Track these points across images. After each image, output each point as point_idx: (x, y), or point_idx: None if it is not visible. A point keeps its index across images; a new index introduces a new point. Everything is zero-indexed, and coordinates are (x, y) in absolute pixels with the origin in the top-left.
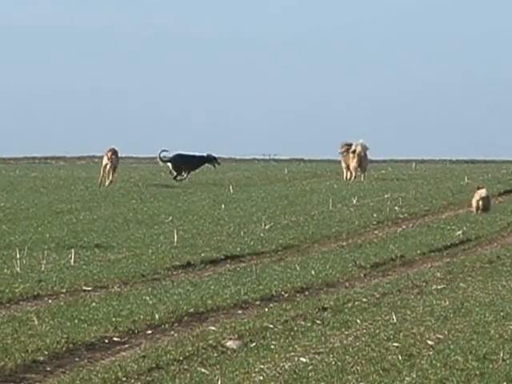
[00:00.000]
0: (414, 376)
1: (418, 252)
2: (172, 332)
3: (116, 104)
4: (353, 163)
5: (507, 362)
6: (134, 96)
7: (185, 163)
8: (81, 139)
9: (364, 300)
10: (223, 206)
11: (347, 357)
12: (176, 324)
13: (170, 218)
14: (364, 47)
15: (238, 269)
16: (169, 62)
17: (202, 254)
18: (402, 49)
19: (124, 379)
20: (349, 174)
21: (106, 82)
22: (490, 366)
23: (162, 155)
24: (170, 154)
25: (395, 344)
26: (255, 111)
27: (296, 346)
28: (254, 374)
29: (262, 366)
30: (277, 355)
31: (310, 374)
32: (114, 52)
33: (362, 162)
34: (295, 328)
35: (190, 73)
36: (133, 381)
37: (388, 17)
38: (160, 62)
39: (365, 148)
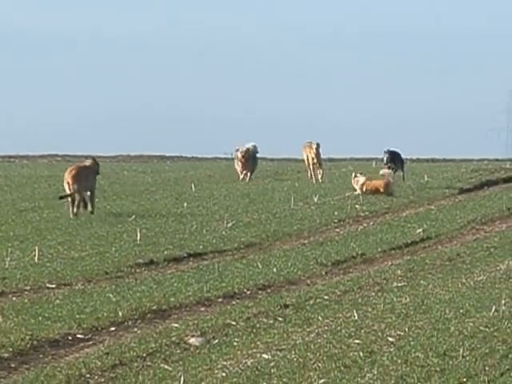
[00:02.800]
0: (375, 372)
1: (379, 250)
2: (135, 329)
3: (82, 102)
4: (238, 167)
5: (467, 358)
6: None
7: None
8: (43, 138)
9: (325, 297)
10: (185, 204)
11: (309, 353)
12: (139, 321)
13: (133, 217)
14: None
15: (201, 266)
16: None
17: (165, 252)
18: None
19: (88, 376)
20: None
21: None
22: (450, 362)
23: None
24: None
25: (356, 341)
26: (219, 108)
27: (258, 343)
28: (216, 371)
29: (224, 363)
30: (239, 352)
31: (272, 371)
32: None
33: (247, 164)
34: (257, 325)
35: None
36: (96, 377)
37: None
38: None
39: (254, 151)
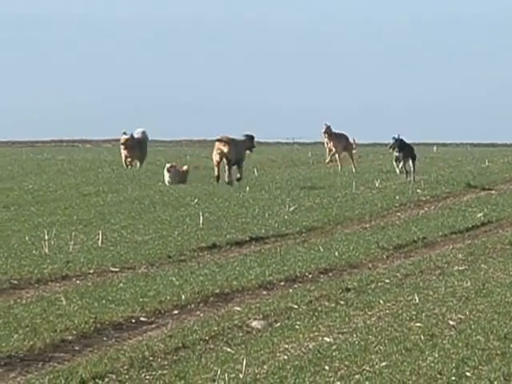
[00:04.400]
0: (436, 355)
1: (440, 234)
2: (198, 312)
3: (143, 88)
4: (123, 155)
5: None
6: (160, 80)
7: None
8: (107, 122)
9: (387, 281)
10: (248, 188)
11: (370, 336)
12: (202, 304)
13: (196, 201)
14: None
15: (263, 250)
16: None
17: (228, 236)
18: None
19: (151, 358)
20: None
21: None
22: (511, 345)
23: None
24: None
25: (417, 324)
26: (280, 95)
27: (320, 326)
28: (278, 354)
29: (286, 346)
30: (301, 335)
31: (333, 354)
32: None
33: (134, 151)
34: (319, 308)
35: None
36: (159, 360)
37: None
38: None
39: (142, 137)
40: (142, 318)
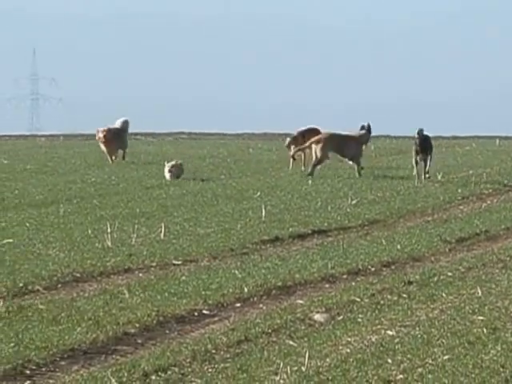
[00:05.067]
0: (499, 349)
1: (503, 227)
2: (260, 305)
3: (193, 84)
4: (103, 148)
5: None
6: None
7: None
8: (169, 116)
9: (449, 274)
10: (310, 181)
11: (433, 330)
12: (264, 297)
13: (259, 194)
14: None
15: (326, 243)
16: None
17: (290, 229)
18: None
19: (213, 351)
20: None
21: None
22: None
23: None
24: None
25: (480, 317)
26: (340, 89)
27: (382, 320)
28: (341, 347)
29: (349, 339)
30: (363, 328)
31: (396, 347)
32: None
33: (112, 144)
34: (382, 302)
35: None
36: (222, 353)
37: None
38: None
39: (121, 128)
40: (204, 311)
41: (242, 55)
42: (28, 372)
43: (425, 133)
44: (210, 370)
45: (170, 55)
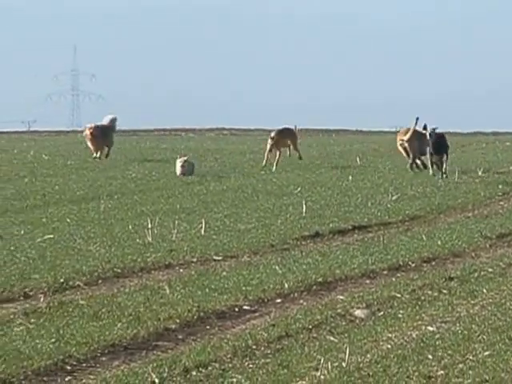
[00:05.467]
0: None
1: None
2: (301, 301)
3: (234, 81)
4: (89, 144)
5: None
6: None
7: None
8: (210, 112)
9: (490, 270)
10: (350, 177)
11: (473, 326)
12: (305, 293)
13: (299, 189)
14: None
15: (366, 239)
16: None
17: (330, 225)
18: None
19: (254, 347)
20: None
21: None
22: None
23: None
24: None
25: None
26: (382, 85)
27: (423, 315)
28: (381, 343)
29: (389, 335)
30: (404, 324)
31: (436, 343)
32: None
33: (98, 141)
34: (422, 297)
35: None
36: (263, 348)
37: None
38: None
39: (109, 126)
40: (245, 307)
41: (278, 54)
42: (69, 367)
43: (438, 131)
44: (250, 365)
45: (209, 52)
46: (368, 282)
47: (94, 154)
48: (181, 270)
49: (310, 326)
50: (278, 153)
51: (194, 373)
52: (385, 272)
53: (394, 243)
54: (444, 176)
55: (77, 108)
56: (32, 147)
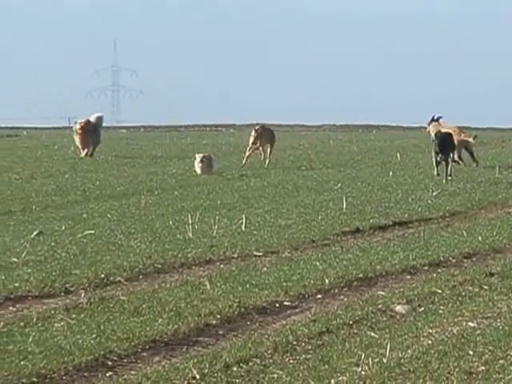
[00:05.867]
0: None
1: None
2: (342, 296)
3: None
4: (77, 141)
5: None
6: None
7: None
8: (250, 107)
9: None
10: (391, 173)
11: None
12: (345, 289)
13: (339, 185)
14: None
15: (406, 235)
16: None
17: (371, 220)
18: None
19: (295, 343)
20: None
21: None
22: None
23: None
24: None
25: None
26: (421, 82)
27: (464, 311)
28: (422, 338)
29: (430, 331)
30: (445, 320)
31: (477, 339)
32: None
33: (87, 137)
34: (463, 293)
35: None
36: (303, 344)
37: None
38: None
39: (96, 123)
40: (285, 303)
41: (318, 52)
42: (110, 363)
43: (444, 131)
44: (291, 361)
45: (242, 49)
46: (409, 277)
47: (82, 154)
48: (221, 266)
49: (351, 322)
50: (262, 148)
51: (234, 368)
52: (425, 268)
53: (434, 239)
54: (449, 178)
55: (117, 104)
56: (72, 143)
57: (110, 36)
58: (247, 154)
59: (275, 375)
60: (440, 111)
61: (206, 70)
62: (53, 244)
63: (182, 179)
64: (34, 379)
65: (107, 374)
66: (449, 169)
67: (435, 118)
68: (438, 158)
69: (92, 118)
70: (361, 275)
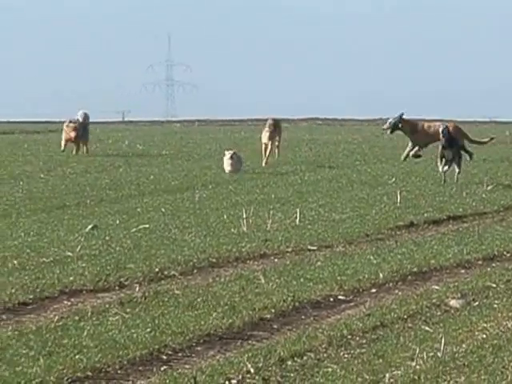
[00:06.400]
0: None
1: None
2: (396, 291)
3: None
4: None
5: None
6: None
7: None
8: (303, 102)
9: None
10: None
11: None
12: (400, 283)
13: (393, 179)
14: None
15: (461, 229)
16: None
17: (425, 215)
18: None
19: (349, 337)
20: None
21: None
22: None
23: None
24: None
25: None
26: (474, 75)
27: None
28: (476, 333)
29: (484, 325)
30: (499, 314)
31: None
32: None
33: (78, 135)
34: None
35: None
36: (358, 338)
37: None
38: None
39: (84, 121)
40: (340, 297)
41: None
42: (164, 357)
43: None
44: (345, 355)
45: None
46: (463, 271)
47: (81, 148)
48: (276, 260)
49: (405, 316)
50: (273, 142)
51: (289, 362)
52: (480, 262)
53: (488, 233)
54: (456, 181)
55: (171, 98)
56: (127, 137)
57: (164, 31)
58: (268, 151)
59: (329, 369)
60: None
61: (262, 65)
62: (107, 238)
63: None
64: (89, 373)
65: (162, 368)
66: (456, 173)
67: (400, 114)
68: (446, 155)
69: (80, 117)
70: (415, 269)
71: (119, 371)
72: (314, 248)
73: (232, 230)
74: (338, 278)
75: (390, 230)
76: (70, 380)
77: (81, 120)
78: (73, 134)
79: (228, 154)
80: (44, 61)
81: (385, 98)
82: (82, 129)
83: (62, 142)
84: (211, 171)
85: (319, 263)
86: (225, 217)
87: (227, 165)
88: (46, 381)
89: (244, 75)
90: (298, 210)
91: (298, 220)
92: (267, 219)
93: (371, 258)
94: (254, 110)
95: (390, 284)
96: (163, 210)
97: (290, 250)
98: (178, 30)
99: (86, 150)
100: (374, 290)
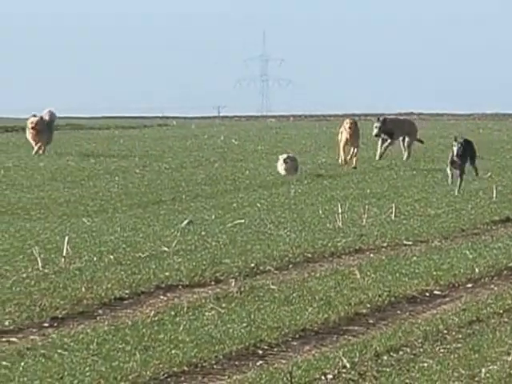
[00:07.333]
0: None
1: None
2: (492, 286)
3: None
4: (30, 137)
5: None
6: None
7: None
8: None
9: None
10: None
11: None
12: (496, 278)
13: (489, 174)
14: None
15: None
16: None
17: None
18: None
19: (445, 332)
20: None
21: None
22: None
23: None
24: None
25: None
26: None
27: None
28: None
29: None
30: None
31: None
32: None
33: (41, 134)
34: None
35: None
36: (454, 333)
37: None
38: None
39: (50, 119)
40: (435, 292)
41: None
42: (260, 352)
43: (466, 137)
44: (441, 350)
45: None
46: None
47: (34, 149)
48: (371, 255)
49: (501, 311)
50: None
51: (385, 357)
52: None
53: None
54: (460, 190)
55: (266, 93)
56: (222, 132)
57: (258, 26)
58: (343, 151)
59: (425, 364)
60: None
61: (357, 58)
62: (203, 233)
63: (331, 169)
64: (185, 368)
65: (258, 363)
66: (462, 181)
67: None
68: (454, 166)
69: (45, 116)
70: (511, 264)
71: (215, 366)
72: (410, 243)
73: (327, 225)
74: (434, 272)
75: (486, 224)
76: (166, 375)
77: (47, 118)
78: (33, 132)
79: (281, 157)
80: (139, 58)
81: (479, 93)
82: (46, 128)
83: (32, 141)
84: (306, 166)
85: (415, 258)
86: (320, 212)
87: (281, 169)
88: (143, 375)
89: (339, 69)
90: (393, 205)
91: (393, 215)
92: (362, 214)
93: (467, 252)
94: (348, 106)
95: (486, 279)
96: (259, 205)
97: (385, 244)
98: (273, 25)
99: (43, 149)
100: (469, 285)
